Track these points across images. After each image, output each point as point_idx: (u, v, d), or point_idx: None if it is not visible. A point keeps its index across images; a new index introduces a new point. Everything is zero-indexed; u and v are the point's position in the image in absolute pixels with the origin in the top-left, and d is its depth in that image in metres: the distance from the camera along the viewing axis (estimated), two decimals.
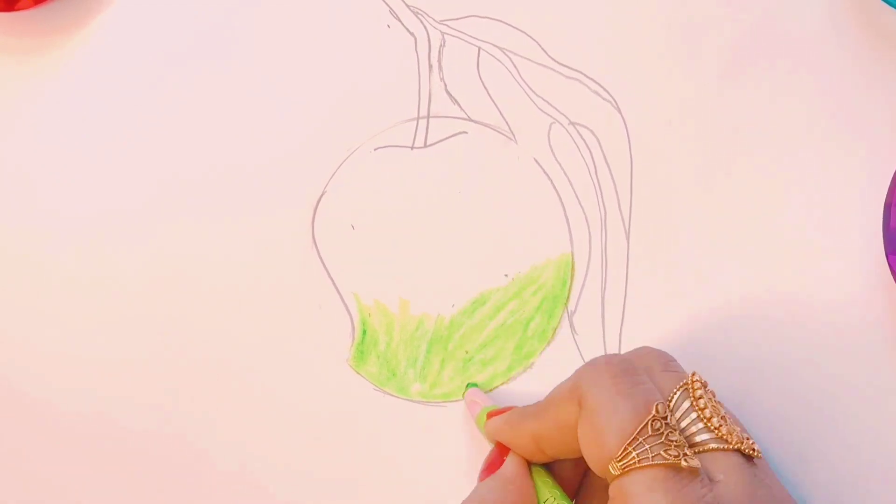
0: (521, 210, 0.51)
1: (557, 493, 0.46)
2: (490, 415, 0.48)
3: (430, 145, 0.52)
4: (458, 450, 0.51)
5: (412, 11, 0.52)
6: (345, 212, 0.52)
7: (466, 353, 0.52)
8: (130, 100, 0.53)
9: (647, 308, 0.51)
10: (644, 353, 0.45)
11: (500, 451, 0.47)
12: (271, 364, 0.52)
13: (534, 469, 0.47)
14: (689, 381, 0.43)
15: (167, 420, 0.52)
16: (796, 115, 0.50)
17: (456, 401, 0.52)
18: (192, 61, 0.52)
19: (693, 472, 0.41)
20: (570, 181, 0.51)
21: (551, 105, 0.51)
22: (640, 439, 0.41)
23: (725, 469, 0.42)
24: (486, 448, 0.50)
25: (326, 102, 0.52)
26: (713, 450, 0.42)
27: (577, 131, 0.51)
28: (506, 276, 0.52)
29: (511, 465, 0.47)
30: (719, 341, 0.50)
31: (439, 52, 0.52)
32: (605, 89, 0.51)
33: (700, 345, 0.50)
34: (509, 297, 0.52)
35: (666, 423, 0.41)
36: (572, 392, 0.44)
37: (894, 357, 0.49)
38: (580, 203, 0.51)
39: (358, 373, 0.52)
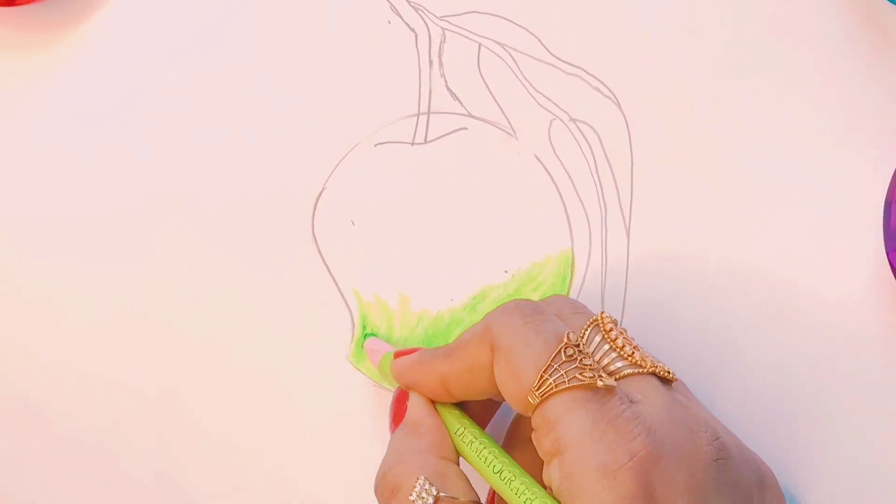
0: (521, 206, 0.51)
1: (466, 422, 0.46)
2: (396, 354, 0.49)
3: (431, 141, 0.52)
4: None
5: (413, 7, 0.52)
6: (345, 208, 0.52)
7: None
8: (130, 95, 0.52)
9: (647, 305, 0.51)
10: (554, 299, 0.47)
11: (401, 399, 0.48)
12: (271, 360, 0.52)
13: (438, 406, 0.47)
14: (599, 318, 0.45)
15: (166, 415, 0.52)
16: (798, 112, 0.50)
17: None
18: (192, 57, 0.52)
19: (609, 390, 0.42)
20: (570, 178, 0.51)
21: (552, 101, 0.51)
22: (555, 366, 0.42)
23: (642, 390, 0.43)
24: None
25: (326, 98, 0.52)
26: (629, 374, 0.44)
27: (578, 128, 0.51)
28: (506, 272, 0.52)
29: (415, 407, 0.47)
30: (720, 339, 0.50)
31: (440, 48, 0.52)
32: (606, 86, 0.51)
33: (700, 342, 0.50)
34: (509, 293, 0.52)
35: (578, 350, 0.43)
36: (483, 335, 0.44)
37: (895, 355, 0.49)
38: (580, 199, 0.51)
39: (358, 368, 0.52)
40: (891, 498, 0.49)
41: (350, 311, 0.52)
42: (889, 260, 0.47)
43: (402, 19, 0.52)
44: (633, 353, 0.44)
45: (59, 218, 0.53)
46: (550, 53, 0.51)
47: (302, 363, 0.52)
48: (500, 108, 0.51)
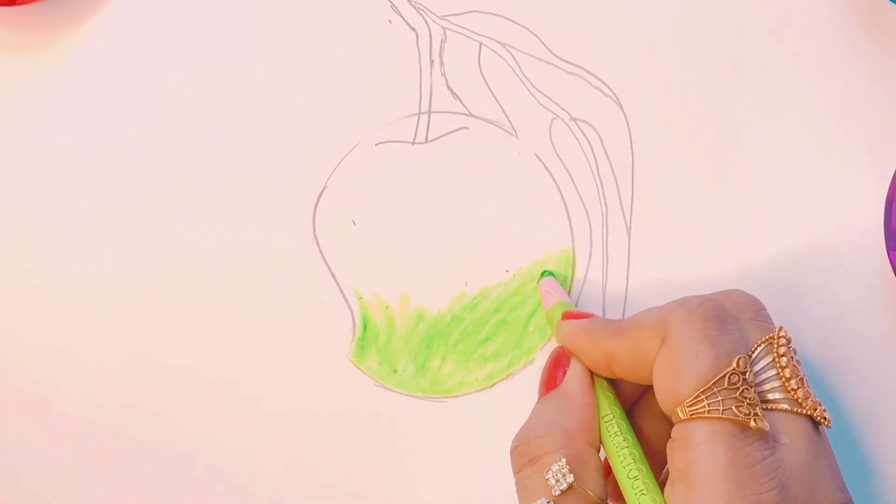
0: (522, 205, 0.51)
1: (617, 410, 0.45)
2: (566, 315, 0.48)
3: (431, 141, 0.52)
4: (459, 445, 0.51)
5: (413, 7, 0.52)
6: (346, 207, 0.52)
7: (467, 348, 0.52)
8: (130, 95, 0.52)
9: (648, 304, 0.51)
10: (736, 297, 0.45)
11: (559, 363, 0.47)
12: (272, 359, 0.52)
13: (597, 381, 0.46)
14: (776, 336, 0.43)
15: (167, 415, 0.52)
16: (798, 111, 0.50)
17: (456, 396, 0.52)
18: (192, 57, 0.52)
19: (761, 433, 0.41)
20: (571, 177, 0.51)
21: (553, 100, 0.51)
22: (715, 389, 0.41)
23: (792, 433, 0.42)
24: (490, 442, 0.50)
25: (327, 98, 0.52)
26: (784, 410, 0.42)
27: (579, 127, 0.51)
28: (507, 271, 0.52)
29: (574, 380, 0.46)
30: None
31: (441, 47, 0.52)
32: (606, 85, 0.51)
33: None
34: (510, 292, 0.52)
35: (744, 379, 0.41)
36: (658, 325, 0.43)
37: None
38: (581, 198, 0.51)
39: (358, 368, 0.52)
40: (892, 498, 0.49)
41: (351, 310, 0.52)
42: (890, 259, 0.47)
43: (403, 19, 0.52)
44: (797, 388, 0.42)
45: (60, 218, 0.53)
46: (551, 53, 0.51)
47: (302, 362, 0.52)
48: (501, 107, 0.51)
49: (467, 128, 0.52)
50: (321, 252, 0.52)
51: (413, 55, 0.52)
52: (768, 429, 0.41)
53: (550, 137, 0.51)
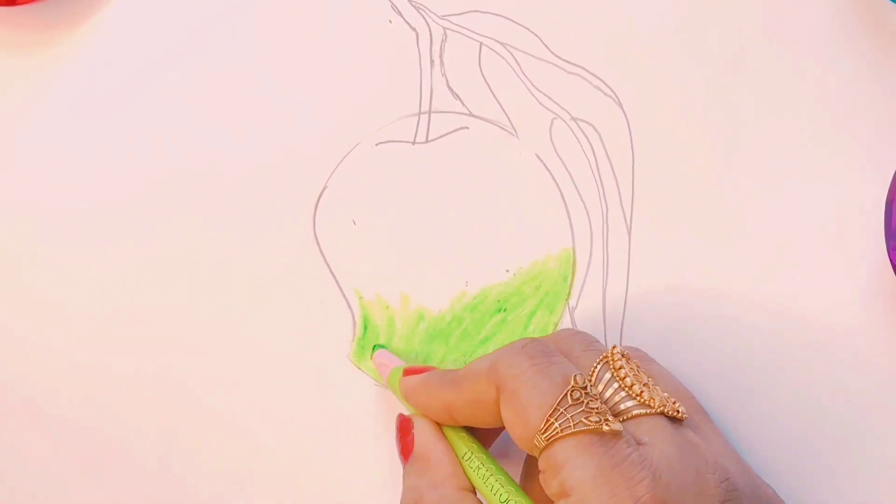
0: (522, 205, 0.51)
1: (474, 445, 0.47)
2: (406, 371, 0.49)
3: (432, 140, 0.52)
4: None
5: (414, 7, 0.52)
6: (346, 207, 0.52)
7: (467, 348, 0.52)
8: (131, 94, 0.52)
9: (649, 303, 0.51)
10: (564, 335, 0.47)
11: (404, 428, 0.48)
12: (272, 359, 0.52)
13: (445, 429, 0.47)
14: (610, 354, 0.45)
15: (165, 416, 0.52)
16: (798, 110, 0.50)
17: None
18: (192, 56, 0.52)
19: (615, 434, 0.42)
20: (571, 176, 0.51)
21: (553, 100, 0.51)
22: (561, 409, 0.42)
23: (650, 431, 0.43)
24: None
25: (327, 98, 0.52)
26: (637, 415, 0.44)
27: (579, 126, 0.51)
28: (507, 271, 0.52)
29: (423, 437, 0.47)
30: (721, 337, 0.50)
31: (441, 47, 0.52)
32: (607, 85, 0.51)
33: (702, 340, 0.50)
34: (510, 292, 0.52)
35: (585, 393, 0.43)
36: (490, 373, 0.45)
37: None
38: (582, 198, 0.51)
39: (359, 368, 0.52)
40: (893, 496, 0.49)
41: (351, 309, 0.52)
42: (890, 259, 0.47)
43: (404, 18, 0.52)
44: (641, 392, 0.44)
45: (60, 217, 0.53)
46: (551, 52, 0.51)
47: (303, 362, 0.52)
48: (502, 107, 0.51)
49: (467, 128, 0.52)
50: (321, 252, 0.52)
51: (413, 55, 0.52)
52: (621, 429, 0.42)
53: (551, 137, 0.51)
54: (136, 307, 0.52)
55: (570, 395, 0.42)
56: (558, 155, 0.51)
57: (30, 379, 0.53)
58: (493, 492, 0.45)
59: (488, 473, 0.45)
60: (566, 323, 0.51)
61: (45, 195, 0.53)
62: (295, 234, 0.52)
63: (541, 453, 0.43)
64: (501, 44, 0.51)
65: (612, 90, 0.51)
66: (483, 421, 0.46)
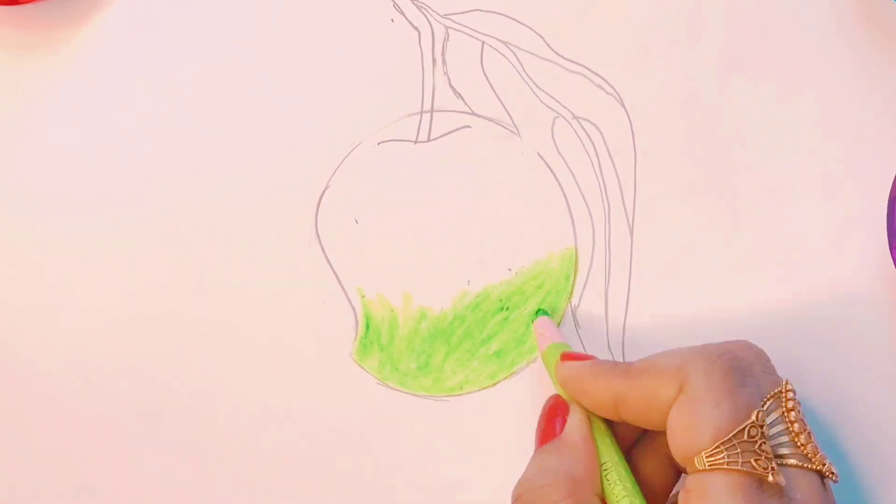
0: (524, 204, 0.51)
1: (615, 457, 0.45)
2: (565, 356, 0.47)
3: (434, 139, 0.52)
4: (461, 444, 0.51)
5: (416, 6, 0.52)
6: (348, 206, 0.52)
7: (470, 347, 0.52)
8: (132, 94, 0.52)
9: (651, 303, 0.51)
10: (747, 349, 0.44)
11: (556, 411, 0.46)
12: (274, 358, 0.52)
13: (595, 427, 0.46)
14: (783, 389, 0.43)
15: (168, 413, 0.52)
16: (800, 109, 0.50)
17: (459, 395, 0.52)
18: (194, 55, 0.52)
19: (778, 489, 0.41)
20: (573, 175, 0.51)
21: (555, 99, 0.51)
22: (735, 442, 0.41)
23: (803, 488, 0.42)
24: (493, 440, 0.50)
25: (330, 97, 0.52)
26: (794, 466, 0.42)
27: (581, 125, 0.51)
28: (509, 269, 0.52)
29: (575, 428, 0.45)
30: (723, 336, 0.50)
31: (443, 46, 0.52)
32: (609, 83, 0.51)
33: (704, 339, 0.50)
34: (513, 291, 0.52)
35: (761, 433, 0.41)
36: (676, 372, 0.43)
37: None
38: (584, 197, 0.51)
39: (361, 367, 0.52)
40: (893, 493, 0.49)
41: (353, 308, 0.52)
42: (893, 257, 0.47)
43: (405, 17, 0.52)
44: (806, 444, 0.42)
45: (60, 217, 0.52)
46: (553, 51, 0.51)
47: (305, 361, 0.52)
48: (504, 106, 0.51)
49: (469, 126, 0.52)
50: (323, 251, 0.52)
51: (415, 54, 0.52)
52: (784, 484, 0.41)
53: (553, 136, 0.51)
54: (138, 307, 0.52)
55: (748, 430, 0.41)
56: (560, 154, 0.51)
57: (30, 375, 0.52)
58: None
59: (624, 493, 0.44)
60: (568, 322, 0.51)
61: (47, 194, 0.53)
62: (297, 232, 0.52)
63: (693, 472, 0.41)
64: (503, 42, 0.51)
65: (614, 89, 0.51)
66: (650, 420, 0.44)
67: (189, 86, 0.52)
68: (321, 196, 0.52)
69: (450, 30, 0.51)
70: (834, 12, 0.50)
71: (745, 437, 0.41)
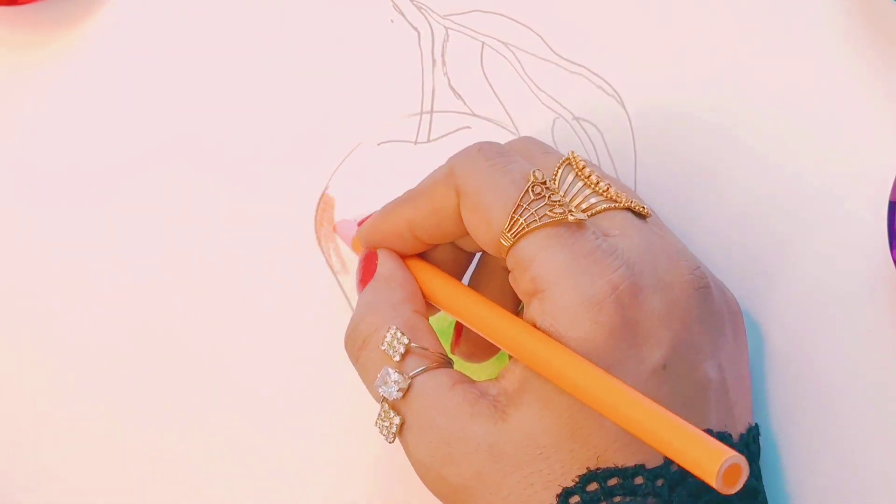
0: None
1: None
2: (360, 222, 0.49)
3: (434, 140, 0.52)
4: None
5: (416, 6, 0.52)
6: (348, 206, 0.52)
7: None
8: (131, 94, 0.52)
9: None
10: (522, 141, 0.47)
11: (369, 257, 0.47)
12: (273, 359, 0.52)
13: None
14: (571, 157, 0.45)
15: (165, 414, 0.52)
16: (800, 109, 0.50)
17: None
18: (194, 55, 0.52)
19: (581, 224, 0.42)
20: None
21: (555, 100, 0.51)
22: (525, 205, 0.42)
23: (619, 224, 0.43)
24: None
25: (330, 97, 0.52)
26: (605, 209, 0.44)
27: (581, 126, 0.51)
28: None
29: (386, 263, 0.47)
30: None
31: (443, 46, 0.52)
32: (609, 84, 0.51)
33: None
34: None
35: (546, 187, 0.42)
36: (448, 178, 0.44)
37: None
38: None
39: None
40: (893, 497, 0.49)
41: (353, 309, 0.52)
42: (893, 257, 0.47)
43: (405, 18, 0.52)
44: (608, 188, 0.44)
45: (59, 213, 0.52)
46: (553, 52, 0.51)
47: (304, 362, 0.52)
48: (504, 106, 0.51)
49: (469, 127, 0.52)
50: (323, 251, 0.52)
51: (415, 54, 0.52)
52: (586, 217, 0.42)
53: (553, 137, 0.51)
54: (136, 308, 0.52)
55: (532, 190, 0.42)
56: None
57: (26, 373, 0.52)
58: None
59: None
60: None
61: (46, 193, 0.53)
62: (297, 233, 0.52)
63: (508, 252, 0.43)
64: (503, 43, 0.51)
65: (614, 90, 0.51)
66: (446, 232, 0.45)
67: (189, 86, 0.52)
68: (321, 196, 0.52)
69: (449, 30, 0.52)
70: (834, 12, 0.50)
71: (533, 197, 0.42)
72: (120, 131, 0.52)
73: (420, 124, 0.52)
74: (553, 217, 0.42)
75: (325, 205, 0.52)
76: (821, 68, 0.50)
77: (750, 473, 0.43)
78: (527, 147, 0.46)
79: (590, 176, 0.44)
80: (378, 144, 0.52)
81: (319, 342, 0.52)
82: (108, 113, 0.52)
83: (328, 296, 0.52)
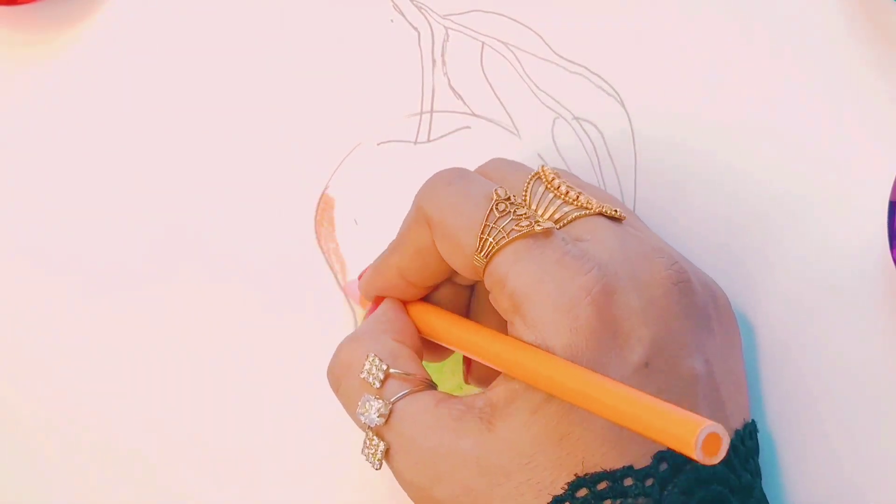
0: None
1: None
2: (359, 277, 0.49)
3: (434, 140, 0.52)
4: None
5: (416, 6, 0.52)
6: (348, 206, 0.52)
7: None
8: (131, 95, 0.52)
9: None
10: (492, 163, 0.47)
11: (373, 309, 0.47)
12: (273, 359, 0.52)
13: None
14: (541, 171, 0.45)
15: (165, 416, 0.52)
16: (801, 110, 0.50)
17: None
18: (193, 56, 0.52)
19: (548, 233, 0.42)
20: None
21: (555, 100, 0.51)
22: (491, 224, 0.42)
23: (591, 230, 0.43)
24: None
25: (330, 97, 0.52)
26: (576, 217, 0.44)
27: (581, 126, 0.51)
28: None
29: (382, 306, 0.47)
30: None
31: (443, 46, 0.52)
32: (609, 84, 0.51)
33: None
34: None
35: (510, 203, 0.43)
36: (418, 215, 0.45)
37: None
38: None
39: None
40: (893, 497, 0.49)
41: (352, 309, 0.52)
42: (893, 257, 0.47)
43: (405, 18, 0.52)
44: (577, 196, 0.44)
45: (59, 216, 0.52)
46: (553, 52, 0.51)
47: (304, 362, 0.52)
48: (504, 106, 0.51)
49: (469, 127, 0.52)
50: (323, 251, 0.52)
51: (415, 54, 0.52)
52: (553, 226, 0.42)
53: (553, 137, 0.51)
54: (135, 308, 0.52)
55: (496, 207, 0.42)
56: (560, 154, 0.51)
57: (26, 373, 0.52)
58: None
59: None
60: None
61: (45, 193, 0.53)
62: (296, 233, 0.52)
63: (484, 273, 0.43)
64: (503, 43, 0.51)
65: (614, 89, 0.51)
66: (435, 271, 0.45)
67: (188, 86, 0.52)
68: (321, 196, 0.52)
69: (449, 30, 0.52)
70: (834, 12, 0.50)
71: (498, 215, 0.42)
72: (120, 131, 0.52)
73: (420, 124, 0.52)
74: (520, 230, 0.42)
75: (325, 205, 0.52)
76: (821, 68, 0.50)
77: (747, 470, 0.43)
78: (497, 168, 0.47)
79: (559, 187, 0.44)
80: (378, 144, 0.52)
81: (319, 342, 0.51)
82: (108, 113, 0.52)
83: (328, 296, 0.52)
